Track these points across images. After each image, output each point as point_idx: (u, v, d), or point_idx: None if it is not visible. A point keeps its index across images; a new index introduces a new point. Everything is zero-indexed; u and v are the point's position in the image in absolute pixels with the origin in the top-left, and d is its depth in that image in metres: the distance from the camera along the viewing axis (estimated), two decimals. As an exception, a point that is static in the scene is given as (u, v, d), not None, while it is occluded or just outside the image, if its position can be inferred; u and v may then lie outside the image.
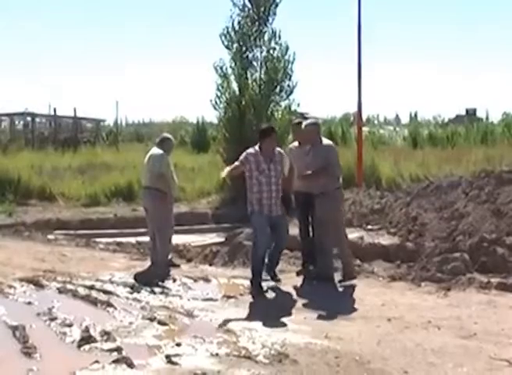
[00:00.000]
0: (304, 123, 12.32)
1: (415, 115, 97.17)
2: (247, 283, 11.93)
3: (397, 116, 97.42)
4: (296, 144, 12.74)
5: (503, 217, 14.27)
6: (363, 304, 10.54)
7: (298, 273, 12.64)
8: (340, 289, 11.70)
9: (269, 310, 10.34)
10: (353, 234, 15.35)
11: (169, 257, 13.74)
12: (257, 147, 11.15)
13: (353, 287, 11.71)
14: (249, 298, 11.09)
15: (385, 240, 15.18)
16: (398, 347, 8.68)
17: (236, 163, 11.33)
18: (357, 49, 27.68)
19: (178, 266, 13.55)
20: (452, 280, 11.81)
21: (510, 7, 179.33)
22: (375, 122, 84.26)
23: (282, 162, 11.46)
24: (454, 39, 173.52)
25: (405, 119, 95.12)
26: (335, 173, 12.01)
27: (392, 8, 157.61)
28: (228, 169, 11.38)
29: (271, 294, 11.35)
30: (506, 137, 45.61)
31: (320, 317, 10.02)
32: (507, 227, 14.24)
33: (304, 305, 10.57)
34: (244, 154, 11.28)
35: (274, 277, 11.99)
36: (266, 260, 11.63)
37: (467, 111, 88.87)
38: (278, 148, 11.40)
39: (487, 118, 73.23)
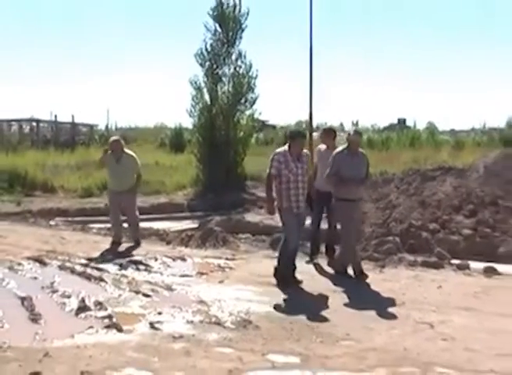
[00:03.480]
0: (352, 131, 11.59)
1: (356, 123, 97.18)
2: (217, 261, 12.00)
3: (341, 123, 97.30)
4: (324, 146, 12.14)
5: (427, 207, 14.42)
6: (314, 279, 10.59)
7: (308, 262, 11.96)
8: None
9: (238, 284, 10.38)
10: (307, 221, 15.32)
11: None
12: (286, 147, 10.56)
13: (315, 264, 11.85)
14: (219, 275, 11.10)
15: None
16: (343, 314, 8.78)
17: (269, 171, 10.57)
18: (309, 70, 27.85)
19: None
20: (386, 259, 11.98)
21: (437, 29, 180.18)
22: (324, 127, 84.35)
23: (308, 162, 10.84)
24: (390, 58, 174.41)
25: (348, 126, 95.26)
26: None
27: (341, 28, 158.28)
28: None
29: (235, 273, 11.37)
30: (430, 142, 46.51)
31: (278, 290, 10.08)
32: (430, 216, 14.42)
33: (269, 281, 10.60)
34: (273, 155, 10.56)
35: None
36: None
37: (398, 120, 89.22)
38: (305, 150, 10.80)
39: (414, 126, 73.47)
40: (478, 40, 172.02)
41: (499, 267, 11.60)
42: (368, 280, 10.47)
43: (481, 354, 7.25)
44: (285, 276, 10.37)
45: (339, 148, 11.09)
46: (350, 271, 10.84)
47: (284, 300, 9.49)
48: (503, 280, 10.86)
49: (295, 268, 10.54)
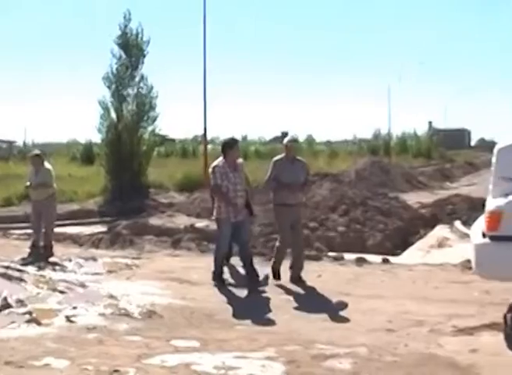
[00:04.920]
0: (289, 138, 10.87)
1: (245, 136, 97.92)
2: (125, 261, 11.98)
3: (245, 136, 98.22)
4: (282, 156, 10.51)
5: (307, 208, 14.66)
6: (208, 274, 10.64)
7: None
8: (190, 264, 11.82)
9: (144, 280, 10.40)
10: (201, 223, 15.44)
11: None
12: (221, 158, 10.04)
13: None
14: (126, 272, 11.07)
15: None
16: (235, 303, 8.91)
17: (215, 183, 9.93)
18: (203, 89, 28.06)
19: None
20: (272, 253, 12.13)
21: (316, 52, 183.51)
22: (217, 141, 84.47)
23: (243, 171, 10.34)
24: (275, 77, 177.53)
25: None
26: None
27: (233, 51, 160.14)
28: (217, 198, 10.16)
29: (141, 270, 11.38)
30: (309, 152, 47.42)
31: (179, 284, 10.15)
32: (310, 215, 14.76)
33: (171, 277, 10.65)
34: (212, 169, 9.98)
35: (254, 273, 10.18)
36: (241, 269, 10.43)
37: (282, 133, 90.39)
38: (240, 159, 10.31)
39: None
40: (345, 62, 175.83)
41: (368, 257, 12.00)
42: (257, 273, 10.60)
43: (354, 331, 7.51)
44: (221, 276, 10.20)
45: (278, 156, 10.53)
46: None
47: (184, 292, 9.54)
48: (371, 268, 11.22)
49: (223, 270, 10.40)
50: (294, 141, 10.93)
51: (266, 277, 10.29)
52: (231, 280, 10.29)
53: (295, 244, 10.29)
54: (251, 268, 10.12)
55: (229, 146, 10.07)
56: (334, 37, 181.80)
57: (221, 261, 10.28)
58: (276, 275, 10.30)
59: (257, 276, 10.15)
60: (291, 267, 10.25)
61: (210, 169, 10.07)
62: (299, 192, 10.37)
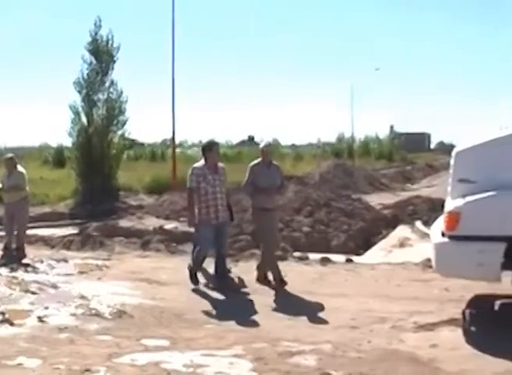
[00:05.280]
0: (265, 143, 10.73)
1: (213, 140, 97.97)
2: (96, 262, 11.88)
3: (200, 140, 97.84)
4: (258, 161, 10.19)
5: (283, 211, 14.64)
6: (177, 274, 10.64)
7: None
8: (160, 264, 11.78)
9: (114, 281, 10.34)
10: (170, 225, 15.41)
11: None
12: (202, 161, 9.87)
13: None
14: (97, 273, 10.98)
15: (193, 228, 15.20)
16: (203, 302, 8.91)
17: (190, 185, 9.81)
18: (172, 94, 27.96)
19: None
20: (239, 254, 12.17)
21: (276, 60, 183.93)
22: (185, 144, 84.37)
23: (225, 175, 10.14)
24: (241, 83, 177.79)
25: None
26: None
27: (201, 57, 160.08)
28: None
29: (111, 271, 11.31)
30: (275, 155, 47.66)
31: (149, 284, 10.10)
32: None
33: (140, 277, 10.60)
34: (190, 170, 9.87)
35: (226, 274, 10.18)
36: (213, 269, 10.07)
37: (248, 137, 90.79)
38: (221, 164, 10.10)
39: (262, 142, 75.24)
40: (309, 67, 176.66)
41: (332, 257, 12.05)
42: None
43: (319, 329, 7.57)
44: (197, 276, 9.97)
45: (255, 161, 10.17)
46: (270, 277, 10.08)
47: (153, 292, 9.50)
48: (335, 268, 11.26)
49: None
50: (270, 145, 10.77)
51: (239, 279, 10.26)
52: (203, 280, 10.24)
53: None
54: (224, 270, 10.05)
55: (209, 148, 9.95)
56: (298, 41, 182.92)
57: (201, 262, 9.99)
58: (282, 283, 9.80)
59: (230, 277, 10.13)
60: (258, 267, 10.16)
61: (189, 171, 9.95)
62: (276, 196, 10.22)
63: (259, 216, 10.00)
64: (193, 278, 9.95)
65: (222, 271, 10.00)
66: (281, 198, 10.99)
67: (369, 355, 6.55)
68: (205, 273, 10.34)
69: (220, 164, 10.06)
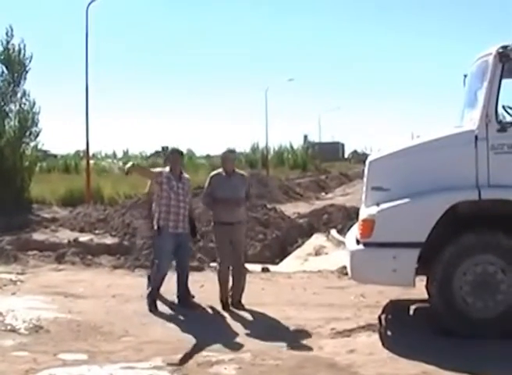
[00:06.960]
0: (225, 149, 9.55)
1: (127, 151, 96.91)
2: (9, 276, 11.49)
3: (114, 151, 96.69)
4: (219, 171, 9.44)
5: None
6: (93, 287, 10.48)
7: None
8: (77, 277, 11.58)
9: (29, 295, 10.09)
10: (85, 237, 15.18)
11: None
12: (168, 168, 9.28)
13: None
14: (11, 287, 10.67)
15: (108, 240, 15.06)
16: (121, 315, 8.78)
17: (153, 170, 9.48)
18: (85, 106, 27.60)
19: None
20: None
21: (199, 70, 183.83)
22: (99, 156, 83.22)
23: (190, 186, 9.64)
24: (156, 94, 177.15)
25: (120, 154, 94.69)
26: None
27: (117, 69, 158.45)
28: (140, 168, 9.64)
29: (26, 285, 11.04)
30: (189, 165, 47.75)
31: (65, 297, 9.89)
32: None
33: (56, 291, 10.38)
34: (159, 170, 9.44)
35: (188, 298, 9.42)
36: (176, 287, 9.36)
37: (162, 148, 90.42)
38: (187, 175, 9.53)
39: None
40: (223, 76, 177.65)
41: (249, 266, 11.94)
42: (139, 285, 10.43)
43: (238, 338, 7.64)
44: (154, 300, 9.16)
45: (216, 170, 9.51)
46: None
47: (69, 305, 9.29)
48: (252, 277, 11.08)
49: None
50: (231, 152, 9.64)
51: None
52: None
53: (234, 266, 9.25)
54: (185, 285, 9.42)
55: (171, 153, 9.68)
56: (212, 52, 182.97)
57: (159, 284, 9.23)
58: (226, 306, 9.11)
59: (189, 293, 9.47)
60: (230, 290, 9.30)
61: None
62: (237, 208, 9.16)
63: (216, 230, 9.34)
64: (153, 306, 9.10)
65: (183, 294, 9.36)
66: (245, 211, 9.98)
67: (288, 362, 6.61)
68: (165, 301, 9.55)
69: (186, 175, 9.56)
